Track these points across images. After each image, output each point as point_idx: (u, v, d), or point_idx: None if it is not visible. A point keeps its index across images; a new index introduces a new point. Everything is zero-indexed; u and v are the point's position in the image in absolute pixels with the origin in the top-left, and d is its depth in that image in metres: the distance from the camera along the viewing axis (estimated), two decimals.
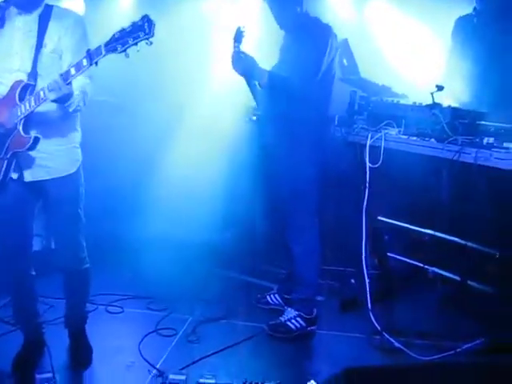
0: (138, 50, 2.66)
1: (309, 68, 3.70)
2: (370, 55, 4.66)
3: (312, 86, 3.69)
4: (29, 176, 3.12)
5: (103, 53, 2.70)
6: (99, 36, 2.92)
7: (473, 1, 4.16)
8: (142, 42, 2.64)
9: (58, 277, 3.44)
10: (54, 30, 3.04)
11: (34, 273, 3.38)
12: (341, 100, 4.08)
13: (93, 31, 3.24)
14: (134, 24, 2.65)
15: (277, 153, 3.91)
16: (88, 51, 2.74)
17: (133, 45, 2.65)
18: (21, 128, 2.95)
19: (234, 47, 3.72)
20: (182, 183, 5.18)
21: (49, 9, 3.08)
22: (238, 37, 3.73)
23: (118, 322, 4.06)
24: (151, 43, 2.65)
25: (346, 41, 4.05)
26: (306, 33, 3.75)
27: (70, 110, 2.99)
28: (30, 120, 2.98)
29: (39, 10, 3.06)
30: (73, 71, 2.79)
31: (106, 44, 2.69)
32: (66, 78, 2.79)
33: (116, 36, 2.67)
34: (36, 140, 2.96)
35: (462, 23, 4.22)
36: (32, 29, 3.03)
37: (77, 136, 3.28)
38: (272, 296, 4.33)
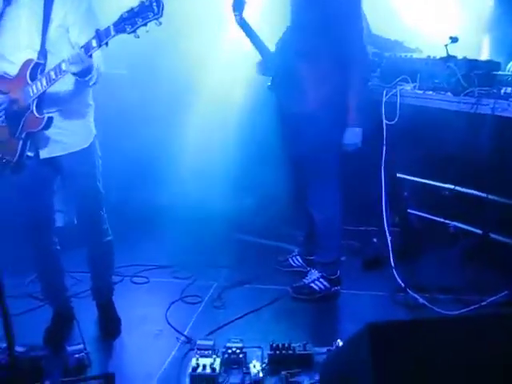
0: (147, 31, 2.62)
1: (357, 19, 3.53)
2: (380, 10, 4.56)
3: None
4: (44, 153, 3.14)
5: (112, 33, 2.67)
6: (107, 9, 2.90)
7: None
8: (152, 22, 2.60)
9: (82, 251, 3.49)
10: (59, 4, 3.01)
11: (58, 247, 3.43)
12: None
13: (100, 4, 3.21)
14: (142, 4, 2.60)
15: (298, 113, 3.71)
16: (97, 31, 2.71)
17: (142, 25, 2.61)
18: (34, 108, 2.95)
19: (235, 16, 3.64)
20: (200, 151, 5.21)
21: None
22: (238, 5, 3.64)
23: (144, 291, 4.11)
24: (160, 23, 2.61)
25: None
26: None
27: (90, 83, 2.99)
28: (42, 99, 2.98)
29: None
30: (94, 43, 2.74)
31: (115, 24, 2.66)
32: (87, 49, 2.76)
33: (124, 16, 2.63)
34: (49, 120, 2.96)
35: None
36: (38, 5, 3.01)
37: (90, 110, 3.29)
38: (294, 258, 4.34)
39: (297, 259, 4.32)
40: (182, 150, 5.26)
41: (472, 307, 3.56)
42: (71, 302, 3.61)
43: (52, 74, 2.86)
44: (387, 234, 3.94)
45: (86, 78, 2.93)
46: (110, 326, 3.56)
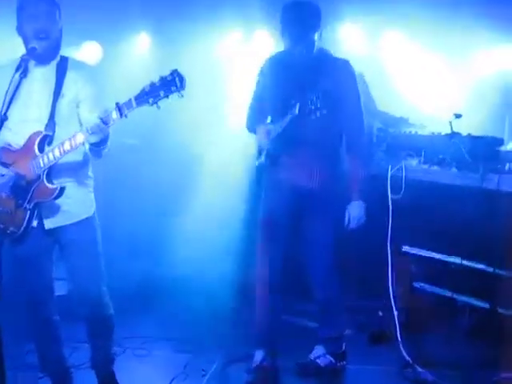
0: (170, 102, 2.72)
1: (359, 104, 3.65)
2: (386, 87, 4.69)
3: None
4: (49, 223, 3.14)
5: (134, 106, 2.75)
6: (118, 79, 2.98)
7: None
8: (174, 94, 2.69)
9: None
10: (71, 80, 3.12)
11: (57, 317, 3.37)
12: None
13: (111, 74, 3.31)
14: (163, 78, 2.70)
15: (307, 188, 3.64)
16: (117, 104, 2.78)
17: (164, 97, 2.70)
18: (45, 178, 2.99)
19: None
20: (203, 221, 5.23)
21: (65, 60, 3.17)
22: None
23: (146, 365, 4.01)
24: (182, 96, 2.70)
25: (361, 74, 4.08)
26: (336, 68, 3.64)
27: (104, 151, 3.05)
28: (53, 169, 3.03)
29: (56, 61, 3.15)
30: (114, 115, 2.81)
31: (137, 97, 2.74)
32: (106, 121, 2.82)
33: (146, 90, 2.71)
34: (62, 190, 3.01)
35: None
36: (50, 79, 3.11)
37: (91, 181, 3.34)
38: None
39: None
40: (185, 220, 5.28)
41: None
42: (71, 373, 3.52)
43: (66, 144, 2.91)
44: (393, 307, 3.89)
45: (102, 147, 2.98)
46: None
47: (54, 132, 3.03)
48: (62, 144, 2.93)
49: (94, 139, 2.87)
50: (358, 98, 3.61)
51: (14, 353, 3.76)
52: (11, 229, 3.04)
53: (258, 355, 3.81)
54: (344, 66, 3.65)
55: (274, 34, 5.29)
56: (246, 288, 4.95)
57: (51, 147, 2.99)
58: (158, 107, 2.72)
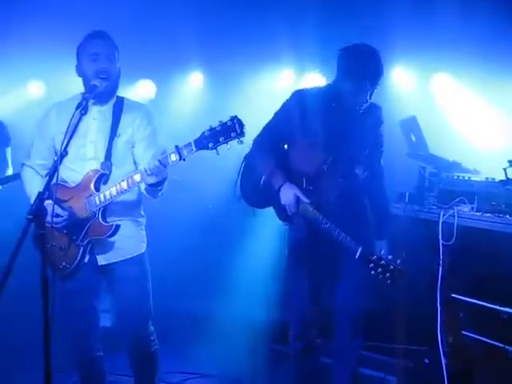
0: (228, 148, 2.75)
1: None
2: (439, 130, 4.66)
3: None
4: (102, 260, 3.20)
5: (194, 149, 2.79)
6: (171, 116, 3.04)
7: None
8: (234, 140, 2.73)
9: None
10: (127, 121, 3.20)
11: (101, 353, 3.38)
12: (409, 176, 4.07)
13: (165, 111, 3.37)
14: (223, 124, 2.73)
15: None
16: (177, 147, 2.83)
17: (224, 143, 2.73)
18: (100, 216, 3.06)
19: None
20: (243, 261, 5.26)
21: (121, 100, 3.26)
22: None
23: None
24: (242, 142, 2.75)
25: (414, 118, 4.07)
26: (375, 118, 3.49)
27: (160, 194, 3.09)
28: (108, 207, 3.09)
29: (113, 101, 3.24)
30: (173, 157, 2.84)
31: (196, 141, 2.78)
32: (165, 163, 2.86)
33: (206, 134, 2.75)
34: (117, 228, 3.07)
35: None
36: (107, 119, 3.20)
37: (144, 219, 3.38)
38: None
39: None
40: (227, 259, 5.35)
41: None
42: None
43: (124, 184, 2.97)
44: (441, 355, 3.80)
45: (158, 188, 3.02)
46: None
47: (110, 171, 3.10)
48: (120, 183, 2.99)
49: (151, 180, 2.91)
50: (381, 152, 3.54)
51: (61, 381, 3.85)
52: (63, 264, 3.12)
53: None
54: (376, 113, 3.48)
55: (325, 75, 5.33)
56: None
57: (107, 186, 3.06)
58: (218, 153, 2.76)
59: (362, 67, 3.23)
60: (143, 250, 3.32)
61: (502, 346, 4.05)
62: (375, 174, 3.52)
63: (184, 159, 2.82)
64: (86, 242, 3.08)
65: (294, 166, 3.46)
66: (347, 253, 3.19)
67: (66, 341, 3.32)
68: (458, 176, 3.87)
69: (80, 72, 3.21)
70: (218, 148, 2.75)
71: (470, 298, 4.24)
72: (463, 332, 4.32)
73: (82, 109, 3.00)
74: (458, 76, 5.37)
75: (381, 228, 3.48)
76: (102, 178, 3.09)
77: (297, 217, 3.37)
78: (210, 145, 2.74)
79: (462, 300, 4.27)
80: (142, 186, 3.10)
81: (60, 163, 2.83)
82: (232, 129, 2.71)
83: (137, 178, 2.95)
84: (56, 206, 3.08)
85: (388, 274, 2.97)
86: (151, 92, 5.98)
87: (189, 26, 5.48)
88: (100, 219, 3.06)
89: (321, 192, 3.36)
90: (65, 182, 3.17)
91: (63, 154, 2.87)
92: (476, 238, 3.66)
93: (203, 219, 5.67)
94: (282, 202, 3.37)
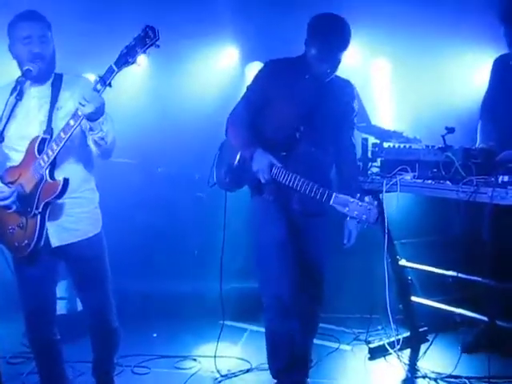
0: (148, 54, 2.74)
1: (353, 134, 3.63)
2: (379, 101, 4.75)
3: None
4: (56, 241, 3.16)
5: (115, 70, 2.78)
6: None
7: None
8: (151, 47, 2.72)
9: (85, 340, 3.45)
10: (67, 94, 3.15)
11: (58, 337, 3.37)
12: None
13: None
14: (136, 37, 2.74)
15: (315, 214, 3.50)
16: (99, 76, 2.82)
17: (142, 52, 2.73)
18: (47, 175, 3.01)
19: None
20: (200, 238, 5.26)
21: (59, 77, 3.21)
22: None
23: (146, 383, 4.04)
24: (158, 46, 2.73)
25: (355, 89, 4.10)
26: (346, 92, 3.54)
27: (105, 129, 2.99)
28: (54, 165, 3.03)
29: (51, 80, 3.19)
30: (98, 87, 2.84)
31: (116, 61, 2.78)
32: (95, 88, 2.85)
33: (124, 52, 2.76)
34: (66, 182, 3.00)
35: (500, 63, 4.08)
36: (46, 95, 3.15)
37: (96, 197, 3.35)
38: None
39: None
40: (185, 236, 5.36)
41: None
42: None
43: (62, 134, 2.93)
44: (391, 322, 3.89)
45: (99, 120, 2.95)
46: None
47: (51, 137, 3.03)
48: (59, 135, 2.94)
49: (89, 109, 2.85)
50: (352, 127, 3.60)
51: (13, 373, 3.84)
52: (25, 242, 3.06)
53: None
54: (347, 88, 3.55)
55: None
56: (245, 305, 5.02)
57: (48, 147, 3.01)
58: (138, 64, 2.77)
59: (327, 34, 3.27)
60: (98, 231, 3.30)
61: (448, 308, 4.19)
62: (345, 147, 3.55)
63: (110, 84, 2.82)
64: (40, 208, 3.02)
65: (268, 135, 3.46)
66: (321, 204, 3.17)
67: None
68: (399, 145, 3.93)
69: (13, 54, 3.13)
70: (137, 59, 2.75)
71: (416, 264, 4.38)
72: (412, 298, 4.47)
73: (17, 94, 2.98)
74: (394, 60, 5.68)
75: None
76: (45, 142, 3.02)
77: (269, 183, 3.36)
78: (130, 59, 2.74)
79: (409, 266, 4.41)
80: (91, 141, 3.06)
81: None
82: (145, 36, 2.71)
83: (71, 122, 2.91)
84: (2, 187, 3.06)
85: (365, 216, 2.99)
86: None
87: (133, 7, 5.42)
88: (48, 179, 3.01)
89: (293, 159, 3.38)
90: (14, 163, 3.13)
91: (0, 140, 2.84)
92: (419, 205, 3.72)
93: (162, 199, 5.72)
94: (255, 169, 3.33)
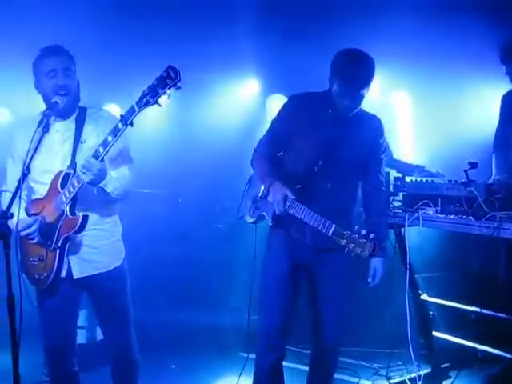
0: (168, 98, 2.77)
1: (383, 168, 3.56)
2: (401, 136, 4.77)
3: None
4: (77, 272, 3.19)
5: (137, 110, 2.82)
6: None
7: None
8: (172, 89, 2.75)
9: (104, 370, 3.47)
10: (91, 127, 3.21)
11: (77, 369, 3.38)
12: None
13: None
14: (158, 77, 2.77)
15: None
16: (121, 115, 2.86)
17: (162, 94, 2.76)
18: (68, 211, 3.04)
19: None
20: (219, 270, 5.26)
21: (83, 110, 3.26)
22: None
23: None
24: (179, 88, 2.75)
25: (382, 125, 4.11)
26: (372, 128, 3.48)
27: (108, 190, 3.06)
28: (75, 202, 3.07)
29: (75, 114, 3.24)
30: (110, 138, 2.89)
31: (138, 102, 2.81)
32: (96, 155, 2.91)
33: (145, 92, 2.79)
34: (85, 219, 3.04)
35: (509, 98, 4.18)
36: (70, 129, 3.20)
37: (119, 229, 3.38)
38: None
39: None
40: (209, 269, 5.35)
41: None
42: None
43: (74, 181, 2.99)
44: (412, 358, 3.84)
45: (101, 184, 3.01)
46: None
47: (75, 171, 3.06)
48: (72, 181, 3.00)
49: (86, 178, 2.93)
50: (380, 163, 3.51)
51: None
52: (44, 275, 3.10)
53: None
54: (374, 124, 3.48)
55: None
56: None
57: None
58: (159, 105, 2.80)
59: (349, 70, 3.25)
60: (120, 263, 3.32)
61: (470, 344, 4.13)
62: (372, 183, 3.48)
63: (131, 124, 2.85)
64: (60, 242, 3.06)
65: (289, 168, 3.47)
66: (322, 237, 3.15)
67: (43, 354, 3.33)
68: (422, 179, 3.92)
69: (39, 89, 3.20)
70: (158, 101, 2.78)
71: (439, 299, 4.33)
72: (434, 333, 4.41)
73: (44, 126, 3.01)
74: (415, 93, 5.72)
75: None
76: (68, 178, 3.07)
77: (283, 216, 3.35)
78: (151, 100, 2.77)
79: (431, 302, 4.36)
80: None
81: (23, 182, 2.83)
82: (167, 77, 2.73)
83: (80, 175, 2.96)
84: (26, 217, 3.12)
85: (360, 249, 2.96)
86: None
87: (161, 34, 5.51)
88: (68, 214, 3.05)
89: (308, 192, 3.37)
90: (38, 196, 3.18)
91: (26, 172, 2.87)
92: (442, 239, 3.70)
93: (182, 229, 5.76)
94: (270, 200, 3.36)
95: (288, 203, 3.30)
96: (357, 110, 3.36)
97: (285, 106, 3.57)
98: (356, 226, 3.02)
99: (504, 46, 3.94)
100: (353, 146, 3.38)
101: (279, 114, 3.58)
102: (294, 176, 3.43)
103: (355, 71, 3.25)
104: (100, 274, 3.23)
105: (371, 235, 2.95)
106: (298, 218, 3.27)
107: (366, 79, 3.27)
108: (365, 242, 2.93)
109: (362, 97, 3.31)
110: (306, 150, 3.41)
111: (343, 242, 3.01)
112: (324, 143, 3.37)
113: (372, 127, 3.46)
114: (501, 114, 4.22)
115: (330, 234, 3.10)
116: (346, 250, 3.01)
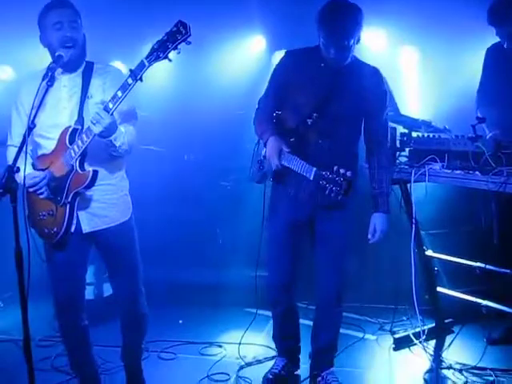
0: (178, 53, 2.75)
1: (385, 117, 3.52)
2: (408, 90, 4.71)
3: None
4: (87, 227, 3.21)
5: (147, 65, 2.80)
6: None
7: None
8: (182, 44, 2.73)
9: (112, 325, 3.53)
10: (98, 82, 3.18)
11: (86, 322, 3.43)
12: None
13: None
14: (168, 32, 2.75)
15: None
16: (130, 70, 2.84)
17: (173, 49, 2.74)
18: (77, 166, 3.05)
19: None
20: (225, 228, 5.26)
21: (90, 65, 3.23)
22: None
23: (171, 368, 4.08)
24: (190, 43, 2.74)
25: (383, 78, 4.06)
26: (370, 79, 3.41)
27: (117, 144, 3.06)
28: (84, 156, 3.08)
29: (82, 68, 3.21)
30: (119, 93, 2.88)
31: (147, 56, 2.80)
32: (106, 107, 2.91)
33: (155, 47, 2.78)
34: (95, 174, 3.05)
35: (493, 52, 4.10)
36: (77, 84, 3.18)
37: (126, 184, 3.40)
38: None
39: None
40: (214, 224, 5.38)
41: None
42: (100, 374, 3.59)
43: (84, 136, 2.99)
44: (417, 313, 3.87)
45: (111, 138, 3.01)
46: None
47: (82, 127, 3.07)
48: (88, 127, 2.98)
49: (97, 129, 2.92)
50: (383, 111, 3.47)
51: (43, 355, 3.91)
52: (54, 230, 3.12)
53: (279, 363, 3.82)
54: (374, 75, 3.43)
55: None
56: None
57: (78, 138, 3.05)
58: (170, 60, 2.77)
59: (329, 20, 3.17)
60: (128, 217, 3.34)
61: (474, 300, 4.16)
62: (373, 138, 3.46)
63: (141, 79, 2.84)
64: (70, 197, 3.07)
65: (285, 123, 3.47)
66: (320, 194, 3.10)
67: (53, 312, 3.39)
68: (429, 135, 3.89)
69: (44, 42, 3.16)
70: (169, 56, 2.76)
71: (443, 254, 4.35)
72: (438, 288, 4.44)
73: (49, 80, 2.98)
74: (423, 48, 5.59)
75: (380, 186, 3.45)
76: (76, 133, 3.06)
77: (280, 171, 3.39)
78: (161, 54, 2.76)
79: (436, 257, 4.38)
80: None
81: (28, 136, 2.82)
82: (177, 32, 2.72)
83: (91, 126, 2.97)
84: (33, 172, 3.13)
85: (337, 188, 2.95)
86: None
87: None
88: (78, 170, 3.05)
89: (302, 145, 3.37)
90: (45, 151, 3.18)
91: (31, 126, 2.86)
92: (447, 195, 3.68)
93: (187, 187, 5.77)
94: (267, 155, 3.39)
95: (282, 156, 3.33)
96: (346, 61, 3.31)
97: (278, 62, 3.55)
98: (335, 167, 2.95)
99: (489, 8, 3.82)
100: (348, 97, 3.34)
101: (275, 70, 3.57)
102: (288, 129, 3.44)
103: (337, 21, 3.16)
104: (109, 228, 3.25)
105: (348, 173, 2.90)
106: (297, 175, 3.27)
107: (349, 29, 3.18)
108: (342, 181, 2.91)
109: (348, 47, 3.22)
110: (300, 104, 3.41)
111: (323, 183, 2.99)
112: (317, 96, 3.36)
113: (368, 77, 3.40)
114: (486, 69, 4.14)
115: (311, 179, 3.11)
116: (326, 192, 2.97)
